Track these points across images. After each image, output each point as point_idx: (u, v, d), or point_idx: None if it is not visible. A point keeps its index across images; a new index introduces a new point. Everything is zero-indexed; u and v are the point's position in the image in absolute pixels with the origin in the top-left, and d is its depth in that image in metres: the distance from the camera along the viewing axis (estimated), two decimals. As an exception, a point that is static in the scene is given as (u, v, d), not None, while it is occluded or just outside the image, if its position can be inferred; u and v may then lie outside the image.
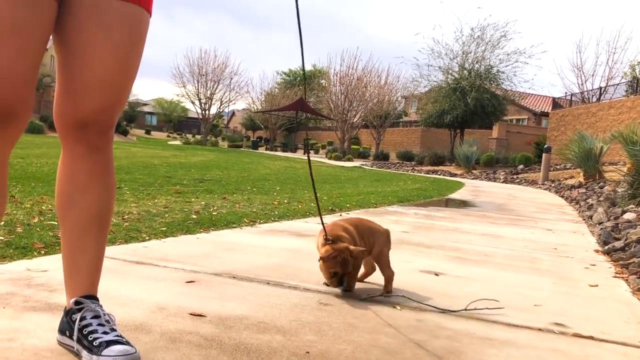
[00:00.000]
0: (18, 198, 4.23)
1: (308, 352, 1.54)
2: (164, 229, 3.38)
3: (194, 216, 4.00)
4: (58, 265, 1.65)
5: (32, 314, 1.66)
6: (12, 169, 7.23)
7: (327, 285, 2.20)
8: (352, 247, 2.11)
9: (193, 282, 2.20)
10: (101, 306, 1.42)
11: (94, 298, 1.44)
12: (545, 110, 38.15)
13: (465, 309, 2.08)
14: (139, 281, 2.16)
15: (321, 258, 2.11)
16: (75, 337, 1.36)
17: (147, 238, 3.06)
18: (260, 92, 48.35)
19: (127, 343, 1.33)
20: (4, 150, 1.26)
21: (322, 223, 2.19)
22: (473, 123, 26.44)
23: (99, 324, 1.36)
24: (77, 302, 1.40)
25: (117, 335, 1.35)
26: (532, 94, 36.54)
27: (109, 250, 2.58)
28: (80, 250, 1.44)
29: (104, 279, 1.56)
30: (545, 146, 16.24)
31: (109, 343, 1.31)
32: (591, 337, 1.88)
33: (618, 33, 42.08)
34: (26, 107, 1.25)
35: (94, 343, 1.31)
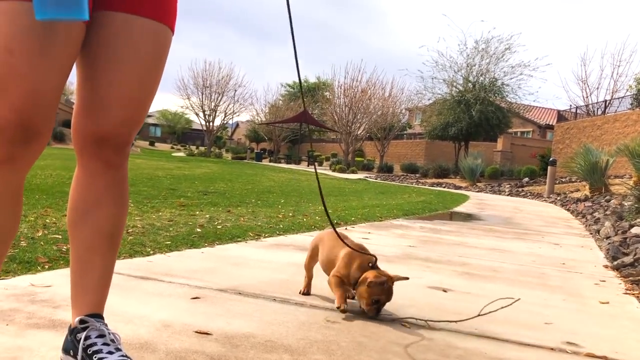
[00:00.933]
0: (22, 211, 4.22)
1: (316, 373, 1.50)
2: (169, 242, 3.35)
3: (198, 230, 3.98)
4: (62, 280, 1.62)
5: (35, 332, 1.64)
6: (17, 181, 7.22)
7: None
8: (394, 275, 2.08)
9: (198, 298, 2.18)
10: (106, 325, 1.40)
11: (99, 316, 1.41)
12: (550, 123, 38.12)
13: (479, 314, 2.08)
14: (144, 297, 2.13)
15: (370, 283, 2.01)
16: (79, 357, 1.33)
17: (151, 252, 3.04)
18: (264, 104, 48.44)
19: (132, 363, 1.30)
20: (23, 171, 1.26)
21: (340, 237, 2.18)
22: (477, 135, 26.42)
23: (104, 344, 1.33)
24: (82, 321, 1.37)
25: (122, 355, 1.32)
26: (537, 107, 36.54)
27: (114, 265, 2.55)
28: (89, 268, 1.42)
29: (109, 294, 1.53)
30: (551, 159, 16.20)
31: (114, 363, 1.28)
32: (605, 358, 1.84)
33: (623, 46, 42.29)
34: (48, 127, 1.24)
35: (98, 363, 1.28)
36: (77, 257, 1.43)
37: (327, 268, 2.27)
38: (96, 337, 1.34)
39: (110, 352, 1.31)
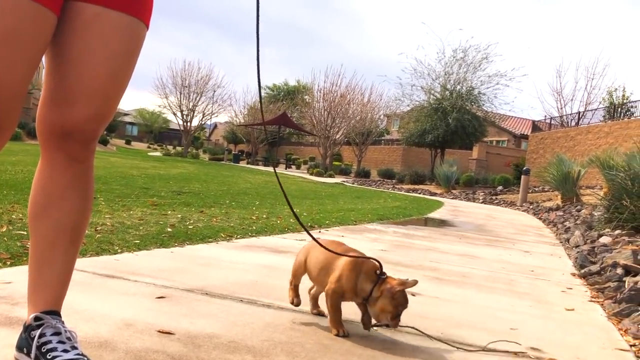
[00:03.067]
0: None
1: (279, 374, 1.48)
2: (138, 241, 3.30)
3: (169, 229, 3.93)
4: (23, 277, 1.58)
5: (-10, 329, 1.59)
6: (-15, 176, 7.07)
7: (372, 324, 1.88)
8: (405, 279, 1.83)
9: (164, 297, 2.14)
10: (63, 322, 1.36)
11: (56, 314, 1.38)
12: (525, 133, 38.70)
13: (484, 349, 1.91)
14: (108, 296, 2.09)
15: (396, 294, 1.77)
16: (33, 355, 1.29)
17: (119, 251, 2.99)
18: (243, 106, 48.24)
19: (87, 362, 1.27)
20: None
21: (323, 245, 1.90)
22: (454, 143, 26.70)
23: (59, 341, 1.30)
24: (37, 318, 1.33)
25: (78, 354, 1.29)
26: (513, 117, 37.05)
27: (79, 263, 2.49)
28: (48, 263, 1.38)
29: (71, 292, 1.50)
30: (524, 168, 16.44)
31: (69, 362, 1.24)
32: (567, 363, 1.86)
33: (597, 59, 43.10)
34: (11, 121, 1.20)
35: (52, 362, 1.25)
36: (37, 251, 1.39)
37: (321, 280, 1.94)
38: (51, 335, 1.31)
39: (65, 351, 1.28)
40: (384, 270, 1.84)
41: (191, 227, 4.21)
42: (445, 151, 27.20)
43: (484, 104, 26.70)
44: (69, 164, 1.37)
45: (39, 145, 1.40)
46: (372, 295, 1.79)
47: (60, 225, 1.38)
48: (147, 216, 4.60)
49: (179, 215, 4.91)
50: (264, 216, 5.73)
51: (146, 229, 3.83)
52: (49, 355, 1.26)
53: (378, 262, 1.85)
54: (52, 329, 1.32)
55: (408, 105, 28.58)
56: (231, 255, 3.30)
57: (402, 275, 3.21)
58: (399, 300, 1.78)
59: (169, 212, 5.19)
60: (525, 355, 1.91)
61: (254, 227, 4.67)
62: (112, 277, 2.38)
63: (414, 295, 2.71)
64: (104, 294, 2.10)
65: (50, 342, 1.29)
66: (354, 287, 1.82)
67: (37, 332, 1.31)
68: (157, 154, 38.20)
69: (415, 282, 1.81)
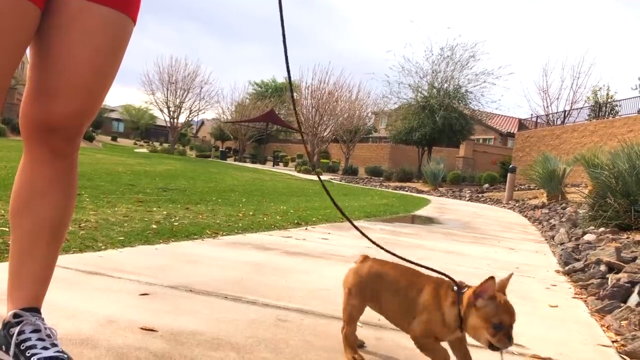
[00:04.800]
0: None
1: (262, 371, 1.48)
2: (122, 238, 3.27)
3: (154, 226, 3.90)
4: (4, 274, 1.55)
5: (-31, 326, 1.56)
6: (-32, 172, 6.98)
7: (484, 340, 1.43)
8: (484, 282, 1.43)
9: (147, 294, 2.12)
10: (43, 319, 1.34)
11: (36, 310, 1.36)
12: (512, 131, 38.97)
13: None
14: (91, 292, 2.07)
15: (477, 302, 1.41)
16: (11, 353, 1.27)
17: (103, 247, 2.96)
18: (230, 103, 48.09)
19: (68, 359, 1.25)
20: None
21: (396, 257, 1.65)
22: (441, 141, 26.83)
23: (39, 339, 1.28)
24: (15, 315, 1.32)
25: (58, 351, 1.27)
26: (499, 115, 37.32)
27: (62, 260, 2.47)
28: (29, 259, 1.36)
29: (53, 288, 1.48)
30: (511, 166, 16.57)
31: (48, 359, 1.23)
32: (549, 359, 1.87)
33: (582, 59, 43.51)
34: None
35: (31, 359, 1.23)
36: (18, 247, 1.37)
37: (401, 320, 1.59)
38: (30, 332, 1.29)
39: (45, 348, 1.26)
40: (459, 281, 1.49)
41: (176, 224, 4.18)
42: (432, 149, 27.34)
43: (471, 102, 26.90)
44: (53, 159, 1.35)
45: (23, 141, 1.38)
46: (463, 317, 1.44)
47: (42, 220, 1.36)
48: (132, 213, 4.57)
49: (165, 212, 4.88)
50: (251, 213, 5.72)
51: (131, 225, 3.80)
52: (28, 353, 1.25)
53: (447, 275, 1.53)
54: (31, 326, 1.30)
55: (395, 103, 28.75)
56: (216, 252, 3.29)
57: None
58: (489, 311, 1.39)
59: (155, 208, 5.15)
60: (508, 351, 1.91)
61: (240, 224, 4.65)
62: (95, 274, 2.36)
63: (399, 292, 2.71)
64: (86, 291, 2.08)
65: (29, 339, 1.27)
66: (442, 320, 1.47)
67: (16, 330, 1.29)
68: (144, 150, 37.94)
69: (504, 284, 1.47)
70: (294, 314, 2.08)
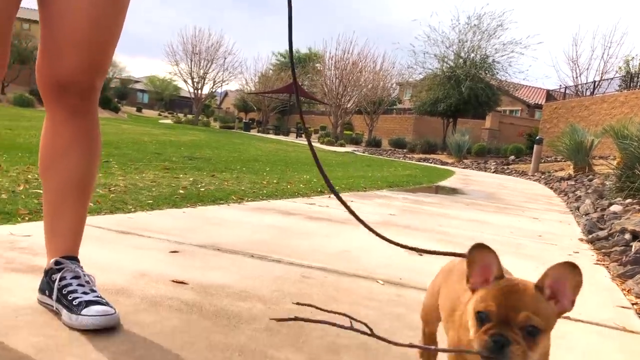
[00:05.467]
0: (4, 167, 4.20)
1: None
2: (150, 201, 3.37)
3: (181, 191, 3.99)
4: (42, 231, 1.64)
5: (14, 275, 1.66)
6: (0, 139, 7.17)
7: None
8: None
9: (177, 252, 2.21)
10: (81, 267, 1.42)
11: (74, 259, 1.44)
12: (539, 102, 38.24)
13: None
14: (123, 249, 2.16)
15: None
16: (54, 297, 1.36)
17: (133, 210, 3.06)
18: (254, 74, 48.05)
19: (106, 304, 1.33)
20: None
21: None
22: (466, 112, 26.48)
23: (79, 284, 1.36)
24: (57, 262, 1.40)
25: (97, 296, 1.35)
26: (526, 86, 36.59)
27: (94, 220, 2.58)
28: (60, 214, 1.43)
29: (86, 246, 1.56)
30: (537, 138, 16.32)
31: (89, 303, 1.31)
32: (567, 317, 1.91)
33: (614, 27, 42.34)
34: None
35: (73, 302, 1.31)
36: (48, 203, 1.45)
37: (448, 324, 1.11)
38: (71, 278, 1.37)
39: (85, 293, 1.34)
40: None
41: (203, 189, 4.27)
42: (457, 120, 27.00)
43: (498, 73, 26.37)
44: (71, 117, 1.40)
45: (43, 102, 1.43)
46: None
47: (67, 179, 1.42)
48: (159, 179, 4.67)
49: (191, 179, 4.98)
50: (275, 181, 5.79)
51: (159, 190, 3.90)
52: (70, 297, 1.33)
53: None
54: (71, 272, 1.38)
55: (420, 74, 28.30)
56: (242, 216, 3.36)
57: (409, 237, 3.26)
58: (487, 296, 0.94)
59: (181, 175, 5.25)
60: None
61: (265, 191, 4.73)
62: (126, 233, 2.45)
63: (421, 255, 2.76)
64: (119, 249, 2.17)
65: (70, 284, 1.36)
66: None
67: (58, 276, 1.37)
68: (168, 121, 38.26)
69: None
70: (317, 272, 2.14)
